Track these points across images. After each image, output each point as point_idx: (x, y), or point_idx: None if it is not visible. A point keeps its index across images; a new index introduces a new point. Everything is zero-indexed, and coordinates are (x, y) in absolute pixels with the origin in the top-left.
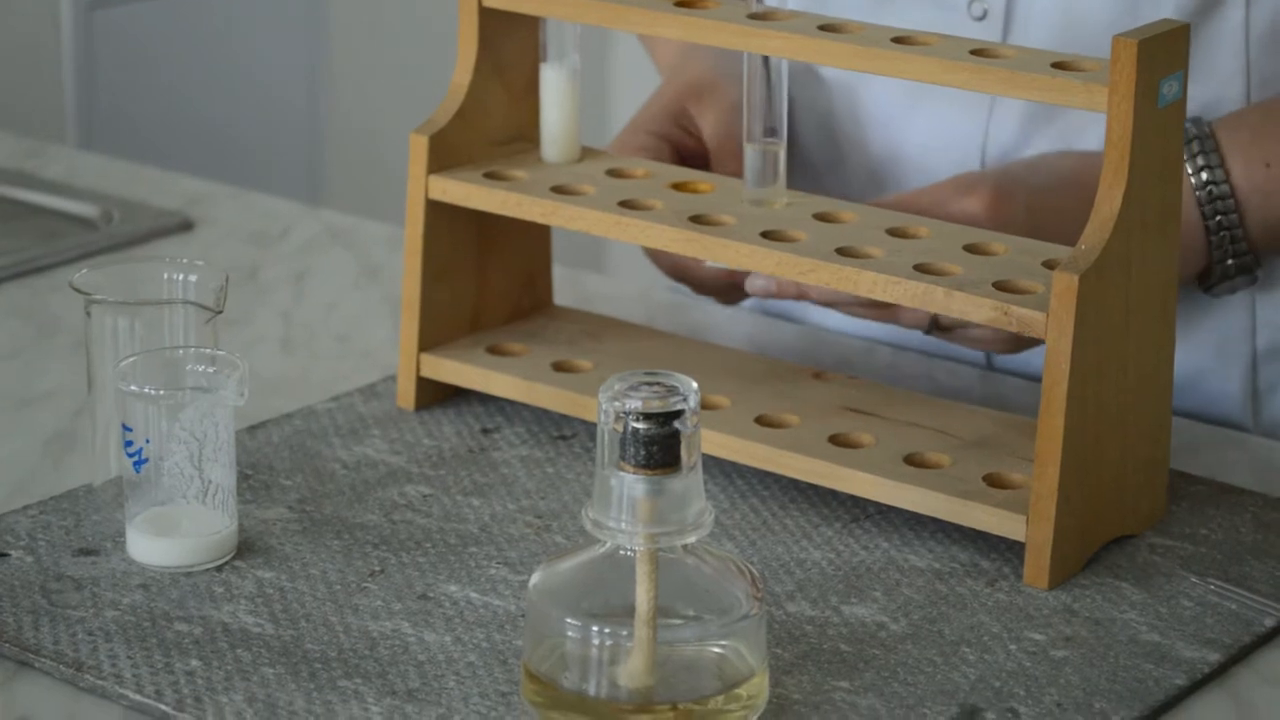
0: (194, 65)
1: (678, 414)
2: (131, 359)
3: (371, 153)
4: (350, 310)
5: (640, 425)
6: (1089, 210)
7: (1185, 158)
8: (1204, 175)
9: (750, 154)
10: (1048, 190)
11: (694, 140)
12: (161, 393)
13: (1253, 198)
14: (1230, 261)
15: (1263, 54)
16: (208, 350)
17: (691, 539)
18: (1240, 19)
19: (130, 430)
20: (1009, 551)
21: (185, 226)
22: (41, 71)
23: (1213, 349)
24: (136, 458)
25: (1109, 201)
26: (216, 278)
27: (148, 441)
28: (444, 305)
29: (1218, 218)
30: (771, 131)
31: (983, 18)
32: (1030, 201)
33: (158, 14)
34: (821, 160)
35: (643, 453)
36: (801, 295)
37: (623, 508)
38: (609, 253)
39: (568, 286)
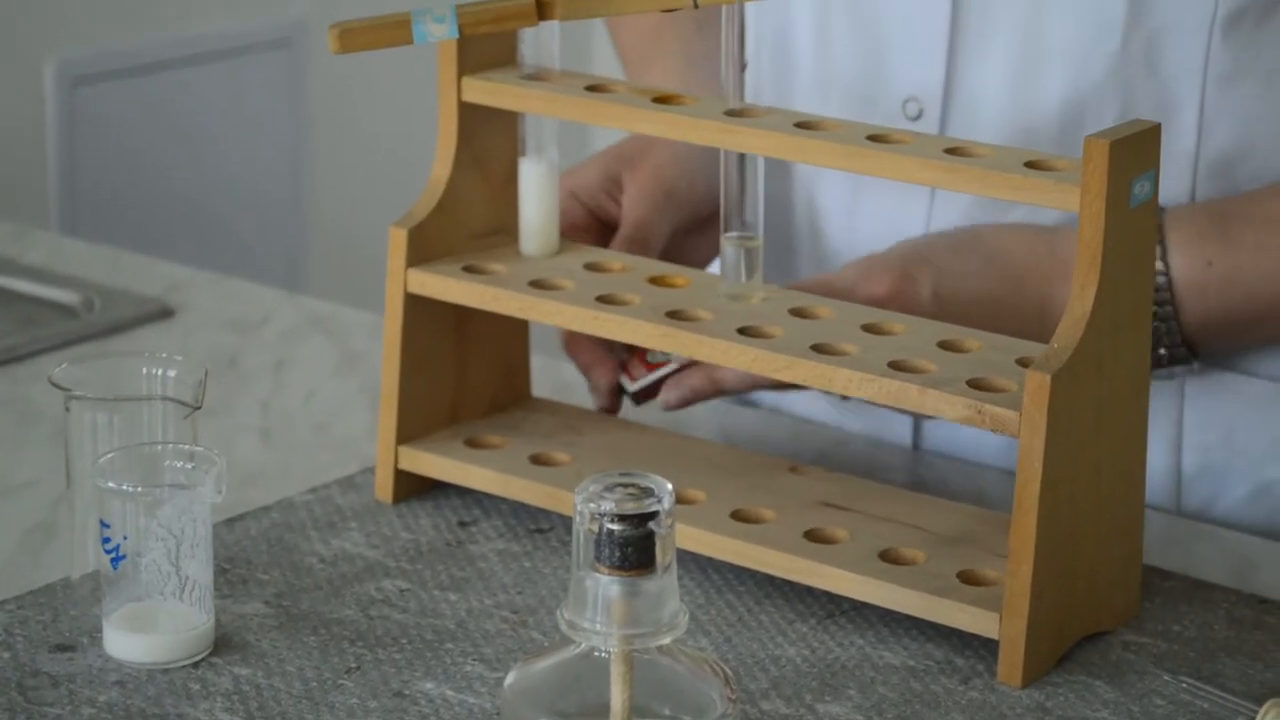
0: (177, 146)
1: (652, 515)
2: (110, 455)
3: (352, 240)
4: (329, 399)
5: (615, 527)
6: (1010, 291)
7: None
8: None
9: (727, 248)
10: (963, 275)
11: (618, 209)
12: (140, 490)
13: (1190, 293)
14: (1163, 351)
15: (1209, 180)
16: (186, 446)
17: (666, 640)
18: (1191, 146)
19: (108, 526)
20: (983, 648)
21: (165, 314)
22: (25, 153)
23: None
24: (114, 554)
25: (1082, 301)
26: (195, 372)
27: (125, 538)
28: (422, 397)
29: (1154, 308)
30: (748, 225)
31: (918, 117)
32: (939, 285)
33: (141, 91)
34: (779, 247)
35: (617, 554)
36: (717, 391)
37: (598, 609)
38: None
39: (547, 377)
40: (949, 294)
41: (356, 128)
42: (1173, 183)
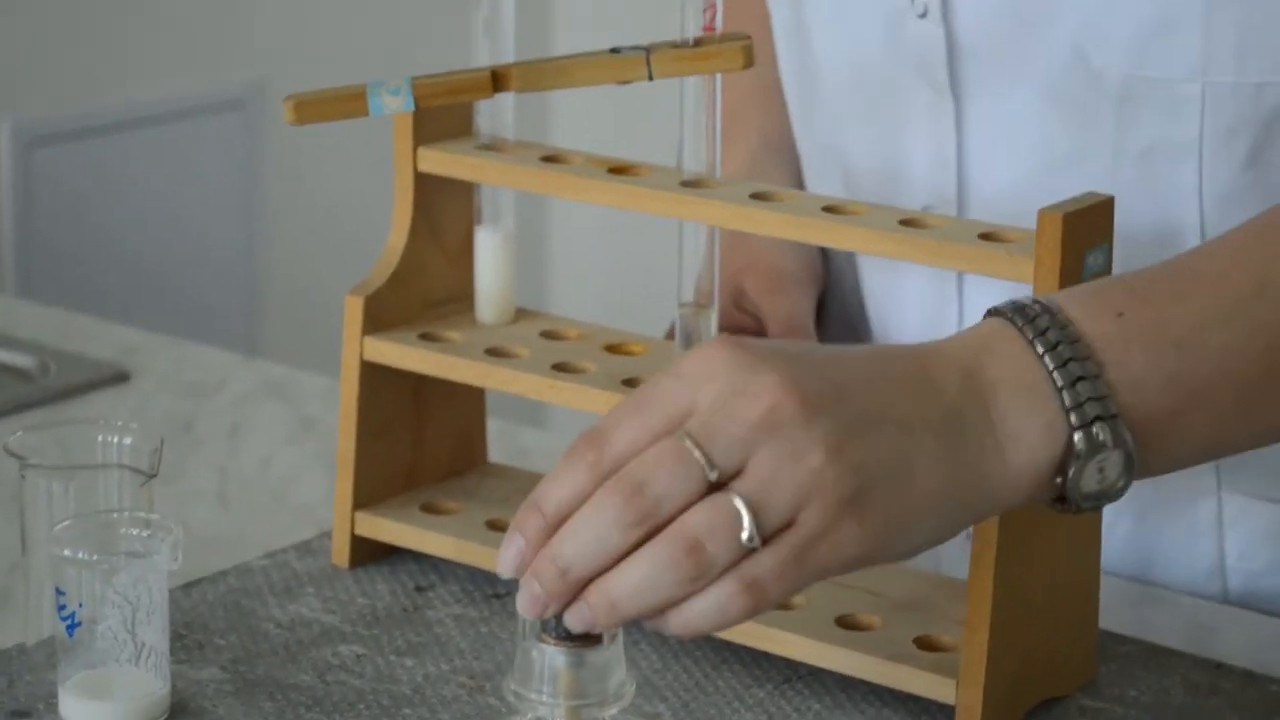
0: (133, 207)
1: None
2: (66, 523)
3: (307, 302)
4: (285, 464)
5: None
6: (882, 367)
7: (1019, 329)
8: (1046, 337)
9: (681, 318)
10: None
11: (750, 319)
12: (95, 558)
13: (1110, 350)
14: (1097, 428)
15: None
16: (142, 514)
17: (613, 711)
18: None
19: (64, 594)
20: (940, 713)
21: (121, 378)
22: None
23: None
24: (69, 621)
25: None
26: (151, 440)
27: (81, 605)
28: (379, 463)
29: (1070, 365)
30: (706, 296)
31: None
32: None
33: (98, 153)
34: (842, 331)
35: (564, 626)
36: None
37: (544, 679)
38: (546, 405)
39: (504, 441)
40: (800, 350)
41: (313, 189)
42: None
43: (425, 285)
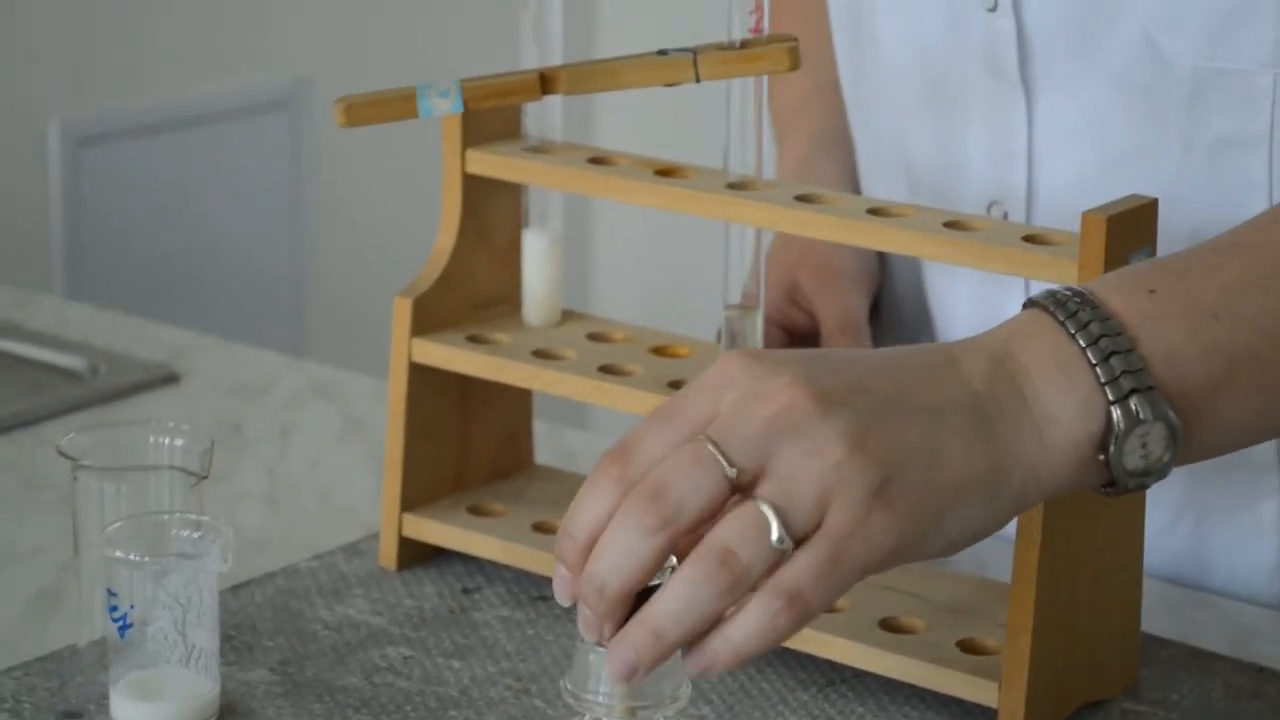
0: (180, 207)
1: (655, 588)
2: (118, 524)
3: (354, 303)
4: (333, 466)
5: None
6: (904, 358)
7: (1051, 313)
8: (1077, 317)
9: (727, 320)
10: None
11: (804, 315)
12: (147, 559)
13: (1144, 325)
14: (1134, 402)
15: None
16: (193, 516)
17: (670, 712)
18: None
19: (115, 595)
20: (982, 716)
21: (171, 379)
22: (29, 216)
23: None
24: (121, 622)
25: None
26: (202, 442)
27: (132, 606)
28: (426, 465)
29: (1102, 341)
30: (751, 298)
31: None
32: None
33: (145, 152)
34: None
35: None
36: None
37: (600, 680)
38: (591, 407)
39: (550, 443)
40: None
41: (360, 189)
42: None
43: (473, 287)
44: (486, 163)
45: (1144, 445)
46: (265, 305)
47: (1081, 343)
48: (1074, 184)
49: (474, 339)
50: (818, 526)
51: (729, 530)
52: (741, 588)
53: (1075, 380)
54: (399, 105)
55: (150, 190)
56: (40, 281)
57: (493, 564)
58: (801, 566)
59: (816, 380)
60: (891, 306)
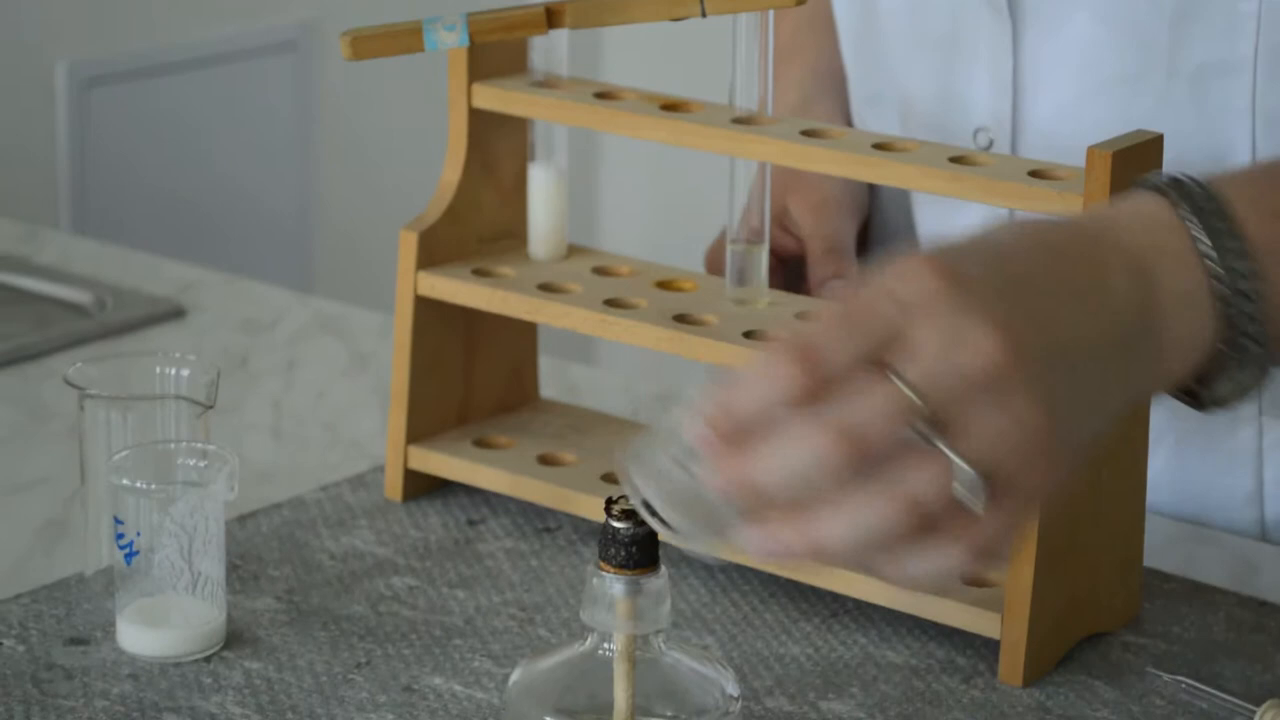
0: (187, 147)
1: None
2: (124, 453)
3: (360, 240)
4: (339, 399)
5: (620, 525)
6: (1061, 267)
7: (1184, 220)
8: (1221, 245)
9: (732, 254)
10: (1004, 254)
11: (792, 240)
12: (153, 487)
13: (1269, 257)
14: (1246, 341)
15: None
16: (199, 445)
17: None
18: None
19: (122, 523)
20: (985, 648)
21: (177, 314)
22: (36, 155)
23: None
24: (128, 550)
25: None
26: (208, 372)
27: (139, 534)
28: (432, 398)
29: (1235, 276)
30: (755, 233)
31: (988, 148)
32: (986, 266)
33: (152, 93)
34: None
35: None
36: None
37: (606, 604)
38: (596, 342)
39: (555, 378)
40: (1002, 272)
41: (366, 128)
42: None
43: (479, 221)
44: (492, 97)
45: (1238, 379)
46: (272, 242)
47: (1219, 278)
48: (1059, 114)
49: (479, 272)
50: (1006, 487)
51: (868, 412)
52: (920, 530)
53: (1199, 314)
54: (405, 39)
55: (157, 130)
56: (47, 217)
57: (498, 496)
58: (991, 525)
59: (1019, 337)
60: (880, 237)
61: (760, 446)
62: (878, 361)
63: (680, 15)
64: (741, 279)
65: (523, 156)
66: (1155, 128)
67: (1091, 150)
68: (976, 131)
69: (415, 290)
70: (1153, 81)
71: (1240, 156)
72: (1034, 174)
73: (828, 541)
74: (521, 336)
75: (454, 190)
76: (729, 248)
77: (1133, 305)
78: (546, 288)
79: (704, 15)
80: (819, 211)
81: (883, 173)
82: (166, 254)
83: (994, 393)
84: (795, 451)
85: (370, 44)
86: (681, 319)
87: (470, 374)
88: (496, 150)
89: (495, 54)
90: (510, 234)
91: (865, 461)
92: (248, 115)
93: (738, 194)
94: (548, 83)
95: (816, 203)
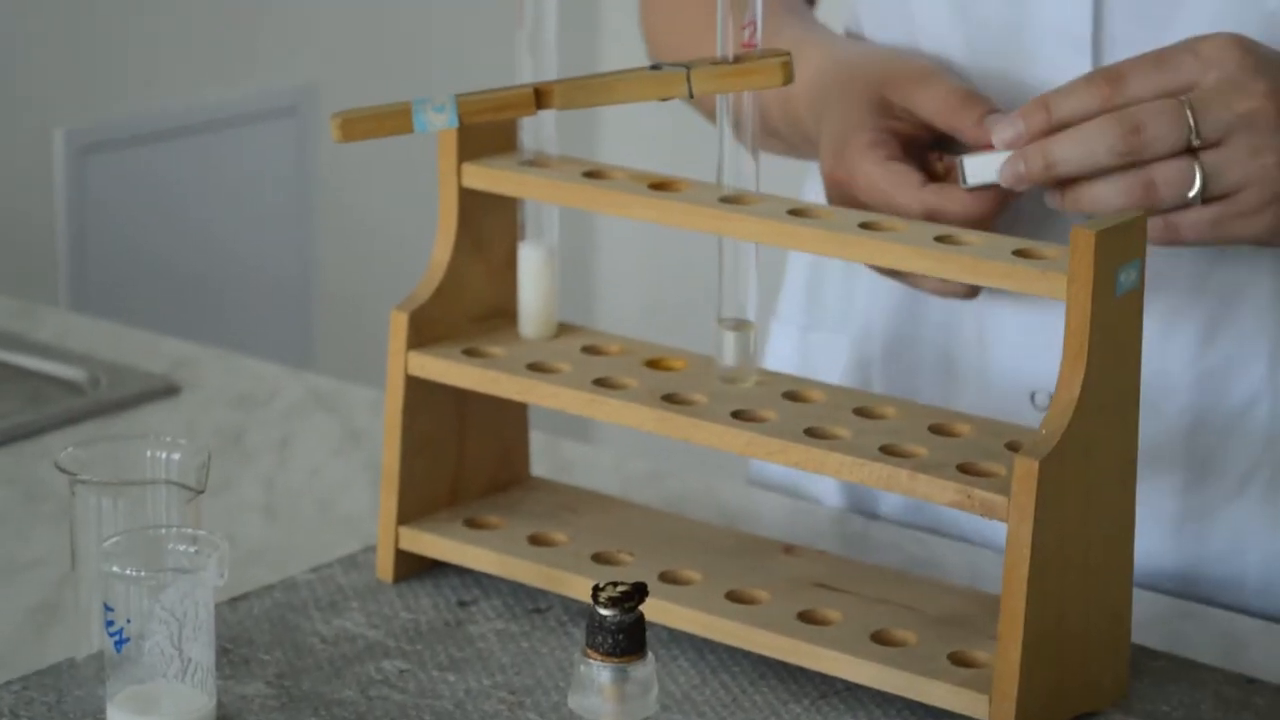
0: (186, 214)
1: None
2: (115, 539)
3: (361, 310)
4: (332, 477)
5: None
6: None
7: None
8: None
9: (720, 334)
10: None
11: (907, 124)
12: (143, 574)
13: None
14: None
15: None
16: (189, 530)
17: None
18: None
19: (112, 610)
20: None
21: (172, 391)
22: (34, 224)
23: None
24: (118, 637)
25: (1069, 388)
26: (199, 455)
27: (129, 621)
28: (423, 478)
29: None
30: (742, 309)
31: None
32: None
33: (150, 159)
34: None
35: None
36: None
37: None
38: (589, 419)
39: (547, 454)
40: None
41: (366, 195)
42: None
43: (469, 300)
44: (482, 176)
45: None
46: (272, 309)
47: None
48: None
49: (470, 352)
50: (1224, 197)
51: (1155, 117)
52: (1134, 157)
53: None
54: (395, 120)
55: (155, 197)
56: (46, 293)
57: (489, 577)
58: (1194, 218)
59: None
60: None
61: (1054, 134)
62: (1173, 96)
63: (668, 95)
64: (733, 358)
65: (513, 235)
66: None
67: (1075, 230)
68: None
69: (406, 370)
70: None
71: None
72: (1019, 253)
73: (1058, 154)
74: (512, 415)
75: (444, 269)
76: (718, 325)
77: None
78: (536, 367)
79: (691, 96)
80: (923, 82)
81: (869, 251)
82: (166, 323)
83: (1249, 127)
84: (1088, 133)
85: (360, 126)
86: (670, 399)
87: (461, 452)
88: (487, 229)
89: (485, 133)
90: (501, 312)
91: (1136, 150)
92: (246, 181)
93: (726, 272)
94: (537, 162)
95: (916, 77)
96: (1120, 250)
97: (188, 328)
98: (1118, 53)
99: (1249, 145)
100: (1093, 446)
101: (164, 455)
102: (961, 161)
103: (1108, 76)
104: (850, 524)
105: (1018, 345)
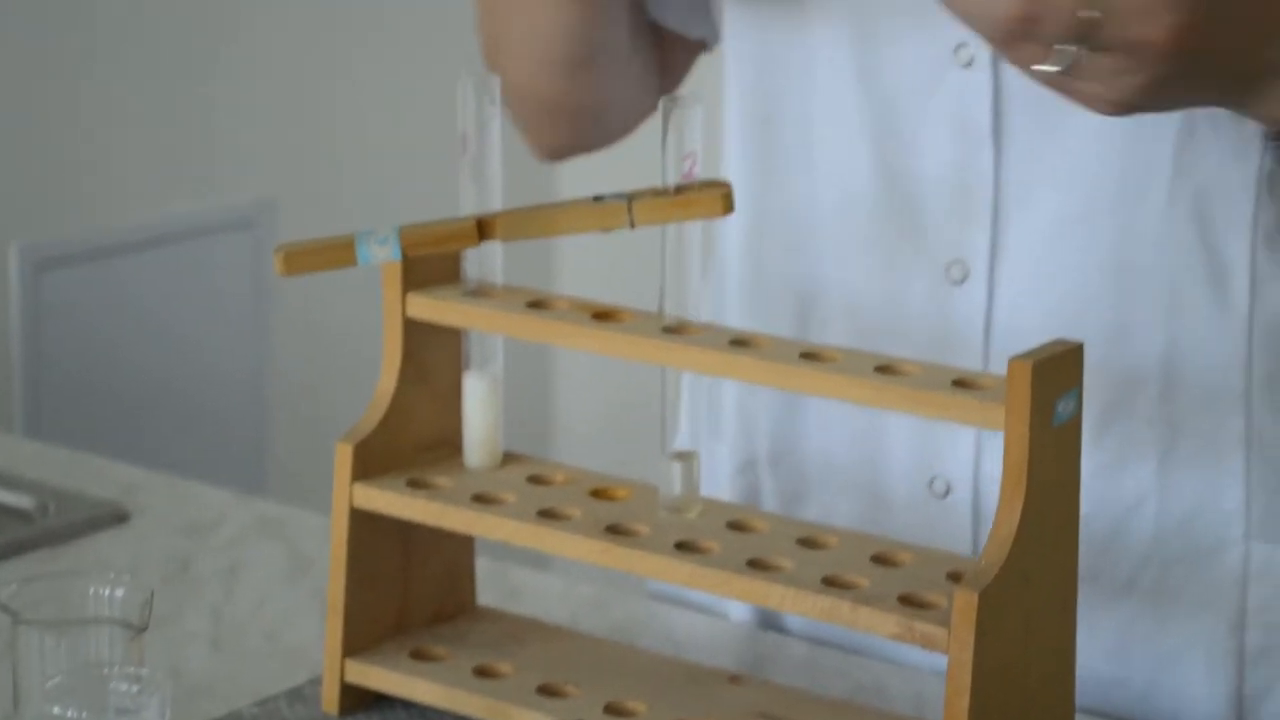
0: (141, 331)
1: None
2: (57, 680)
3: (316, 424)
4: (280, 606)
5: None
6: (1260, 10)
7: None
8: None
9: (664, 464)
10: None
11: None
12: (85, 715)
13: None
14: None
15: (1265, 344)
16: (132, 669)
17: None
18: (1244, 309)
19: None
20: None
21: (121, 518)
22: None
23: (1196, 649)
24: None
25: (1008, 519)
26: (142, 592)
27: None
28: (369, 609)
29: None
30: (686, 439)
31: (964, 280)
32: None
33: (106, 275)
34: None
35: None
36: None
37: None
38: None
39: (495, 581)
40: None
41: (323, 308)
42: (1228, 347)
43: (415, 430)
44: (426, 307)
45: None
46: (225, 426)
47: None
48: (1042, 241)
49: (415, 484)
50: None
51: (1050, 17)
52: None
53: None
54: (338, 253)
55: (111, 312)
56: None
57: (436, 710)
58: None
59: (1187, 41)
60: None
61: None
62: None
63: (609, 227)
64: (674, 488)
65: (458, 364)
66: (1149, 255)
67: (1012, 362)
68: (950, 265)
69: (351, 503)
70: (1153, 206)
71: (1239, 277)
72: (958, 383)
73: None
74: (459, 543)
75: (389, 399)
76: (662, 456)
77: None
78: (482, 499)
79: (633, 227)
80: None
81: (808, 383)
82: (121, 440)
83: (1137, 59)
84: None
85: (304, 259)
86: (614, 530)
87: (408, 582)
88: (432, 359)
89: (429, 262)
90: (447, 441)
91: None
92: (203, 294)
93: (669, 402)
94: (481, 292)
95: None
96: (1058, 380)
97: (142, 446)
98: (1018, 145)
99: (1125, 66)
100: (1032, 575)
101: (107, 592)
102: None
103: None
104: (794, 649)
105: (913, 431)
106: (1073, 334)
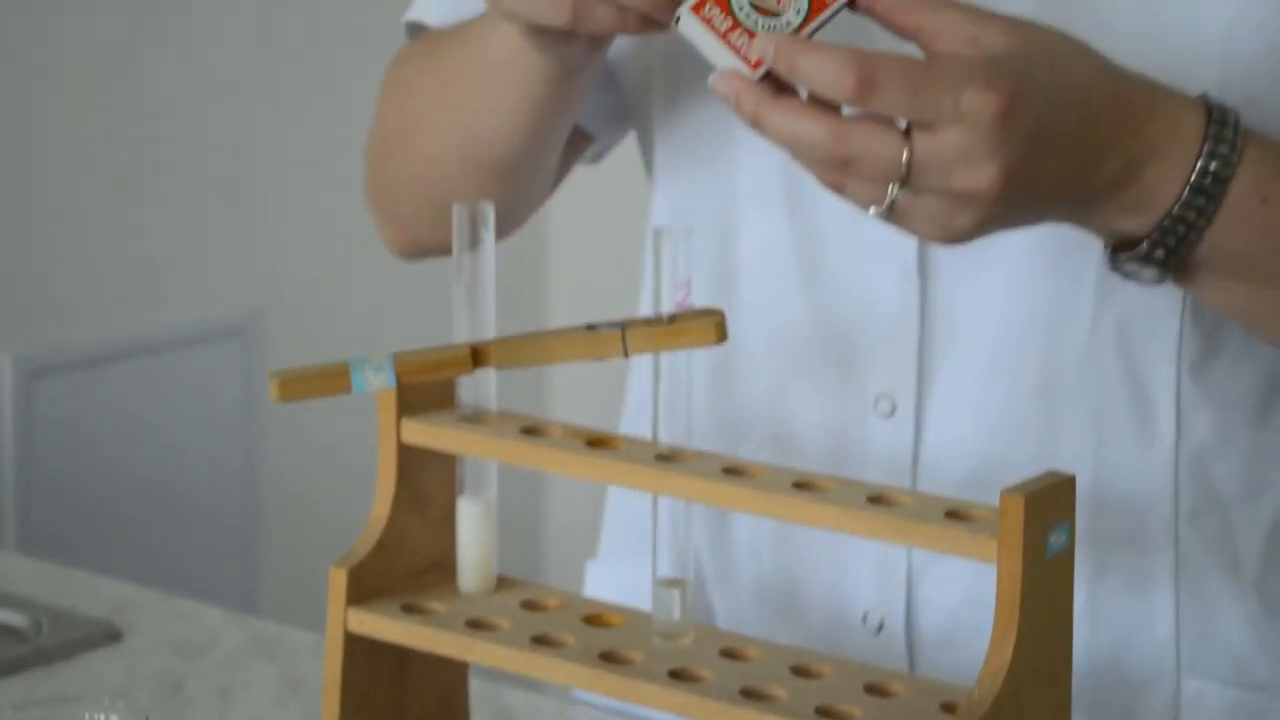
0: (133, 439)
1: None
2: None
3: (308, 537)
4: None
5: None
6: (1086, 138)
7: (1204, 134)
8: (1214, 163)
9: (657, 590)
10: (1057, 108)
11: None
12: None
13: (1227, 219)
14: (1162, 253)
15: (1190, 474)
16: None
17: None
18: (1171, 437)
19: None
20: None
21: (113, 637)
22: None
23: None
24: None
25: (1000, 652)
26: (136, 716)
27: None
28: None
29: (1200, 199)
30: (682, 569)
31: (891, 414)
32: (1039, 116)
33: (98, 384)
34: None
35: None
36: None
37: None
38: None
39: (488, 702)
40: (1044, 129)
41: (313, 416)
42: (1155, 477)
43: (409, 554)
44: (420, 433)
45: (1131, 272)
46: (218, 539)
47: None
48: (970, 375)
49: (409, 608)
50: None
51: (868, 154)
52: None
53: (1154, 212)
54: (333, 380)
55: (103, 420)
56: None
57: None
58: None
59: (1010, 189)
60: None
61: (783, 101)
62: (911, 123)
63: (603, 355)
64: (667, 614)
65: (452, 488)
66: (1074, 385)
67: (1005, 495)
68: (877, 399)
69: (345, 627)
70: (1077, 337)
71: (1164, 405)
72: (950, 514)
73: (773, 129)
74: (453, 666)
75: (384, 524)
76: (654, 582)
77: (1118, 184)
78: (475, 624)
79: (626, 356)
80: None
81: (801, 511)
82: (113, 554)
83: (967, 205)
84: (803, 125)
85: (299, 385)
86: (607, 657)
87: (402, 706)
88: (426, 483)
89: (424, 388)
90: (441, 565)
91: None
92: (194, 402)
93: (661, 529)
94: (475, 418)
95: None
96: (1050, 512)
97: (134, 557)
98: (943, 279)
99: (954, 209)
100: (1025, 710)
101: (101, 717)
102: (682, 11)
103: (861, 78)
104: None
105: (844, 566)
106: (1000, 466)
